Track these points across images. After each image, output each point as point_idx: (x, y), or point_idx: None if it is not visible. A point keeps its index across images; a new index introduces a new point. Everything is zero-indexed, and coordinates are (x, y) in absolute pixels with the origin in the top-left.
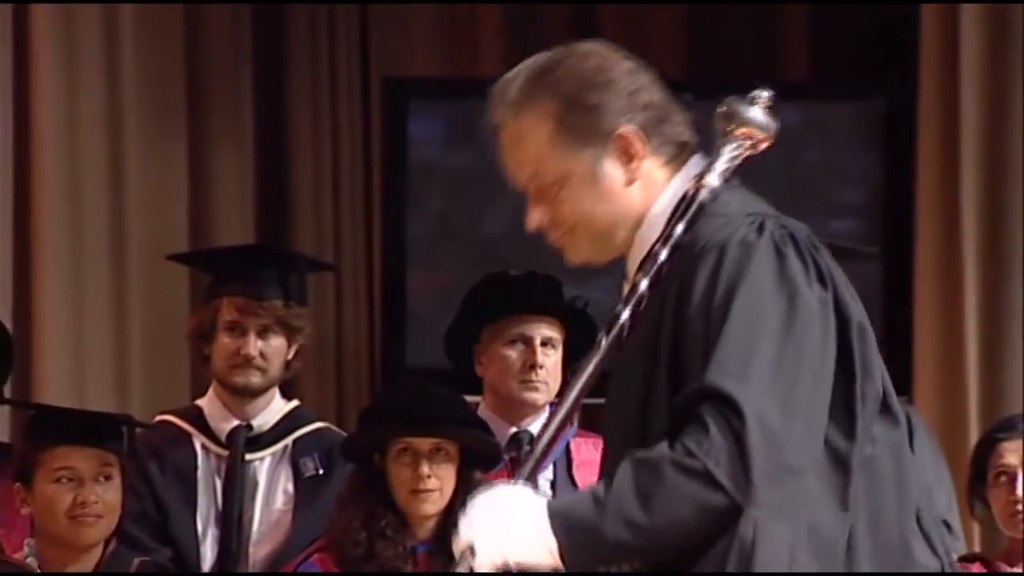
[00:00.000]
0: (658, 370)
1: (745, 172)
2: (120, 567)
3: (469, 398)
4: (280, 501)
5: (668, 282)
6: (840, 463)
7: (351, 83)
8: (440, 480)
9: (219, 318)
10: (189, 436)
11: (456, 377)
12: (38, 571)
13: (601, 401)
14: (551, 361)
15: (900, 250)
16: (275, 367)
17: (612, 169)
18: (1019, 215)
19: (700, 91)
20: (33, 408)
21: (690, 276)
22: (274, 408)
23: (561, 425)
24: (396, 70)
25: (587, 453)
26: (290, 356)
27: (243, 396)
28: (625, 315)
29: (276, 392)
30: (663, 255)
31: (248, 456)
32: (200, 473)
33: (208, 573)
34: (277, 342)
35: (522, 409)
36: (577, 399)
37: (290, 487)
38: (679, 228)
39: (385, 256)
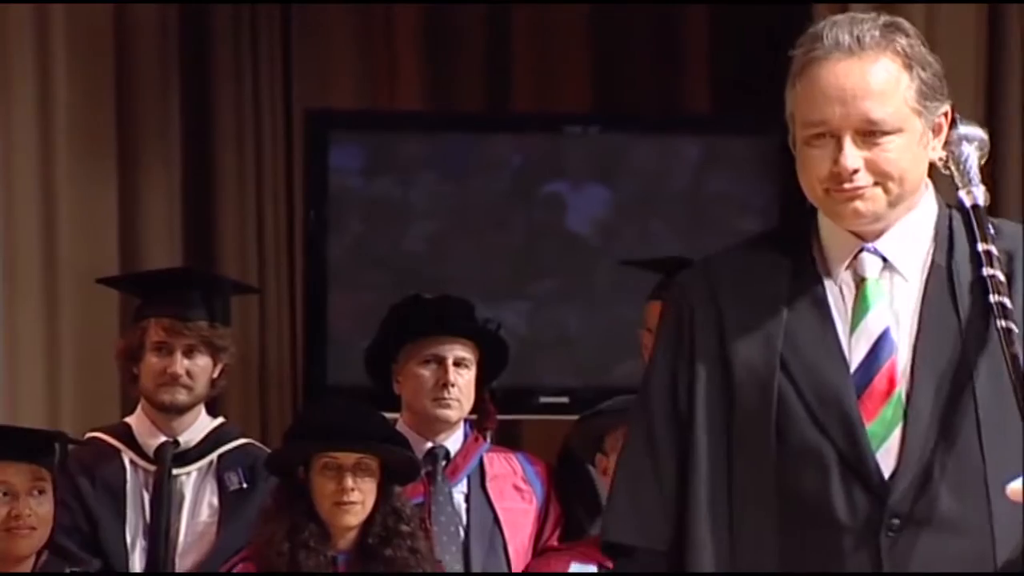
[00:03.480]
0: None
1: (653, 198)
2: None
3: (388, 415)
4: (205, 514)
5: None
6: None
7: (275, 114)
8: (362, 493)
9: (147, 339)
10: (118, 452)
11: (375, 394)
12: None
13: (517, 417)
14: (463, 380)
15: None
16: (201, 385)
17: (930, 139)
18: None
19: (606, 124)
20: None
21: None
22: (200, 425)
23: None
24: (318, 102)
25: (499, 467)
26: (215, 375)
27: (170, 413)
28: (1008, 303)
29: (202, 409)
30: (994, 251)
31: (175, 471)
32: (129, 487)
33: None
34: (203, 361)
35: (436, 425)
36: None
37: (215, 500)
38: (991, 229)
39: (306, 279)
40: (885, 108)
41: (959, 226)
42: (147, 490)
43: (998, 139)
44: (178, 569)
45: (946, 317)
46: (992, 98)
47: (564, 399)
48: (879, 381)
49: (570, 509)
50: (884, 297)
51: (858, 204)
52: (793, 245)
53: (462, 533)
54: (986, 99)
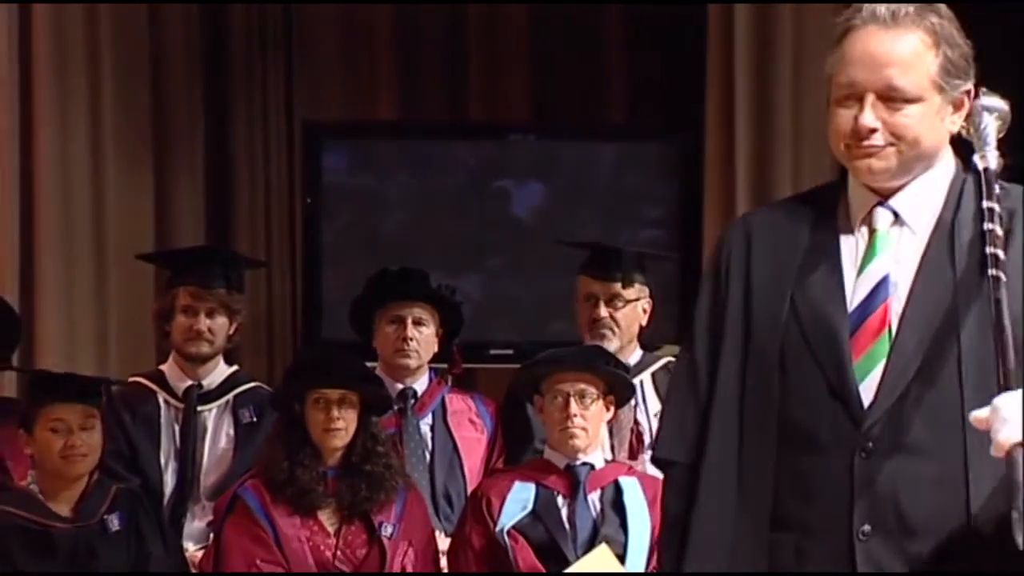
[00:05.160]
0: None
1: (579, 192)
2: (102, 491)
3: (370, 364)
4: (224, 442)
5: (1022, 237)
6: None
7: (279, 124)
8: (346, 421)
9: (176, 303)
10: (154, 393)
11: (359, 347)
12: (39, 497)
13: (473, 366)
14: (421, 335)
15: (691, 255)
16: (220, 340)
17: (949, 114)
18: None
19: (541, 133)
20: (33, 373)
21: None
22: (219, 371)
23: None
24: (313, 114)
25: (458, 405)
26: (231, 331)
27: (195, 362)
28: (1002, 256)
29: (221, 359)
30: (997, 209)
31: (199, 408)
32: (162, 421)
33: None
34: (221, 320)
35: (400, 371)
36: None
37: (231, 431)
38: (998, 190)
39: (304, 255)
40: (908, 77)
41: (971, 188)
42: (177, 423)
43: None
44: (202, 485)
45: (943, 267)
46: None
47: (510, 351)
48: (872, 321)
49: (512, 439)
50: (890, 247)
51: (872, 161)
52: (823, 201)
53: (428, 457)
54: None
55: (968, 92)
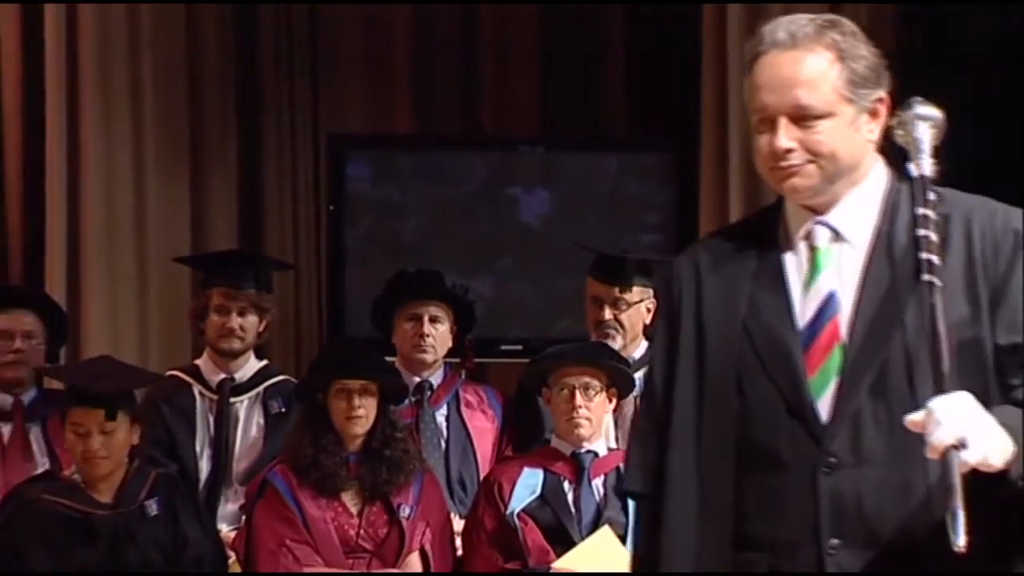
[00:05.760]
0: (980, 307)
1: (583, 199)
2: (141, 478)
3: (389, 359)
4: (254, 431)
5: (963, 239)
6: None
7: (305, 136)
8: (366, 410)
9: (210, 303)
10: (190, 385)
11: (380, 343)
12: (82, 485)
13: (485, 360)
14: (437, 332)
15: None
16: (250, 337)
17: (865, 123)
18: None
19: (548, 144)
20: (60, 375)
21: (1008, 238)
22: (250, 365)
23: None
24: (337, 128)
25: (471, 396)
26: (261, 329)
27: (227, 357)
28: (936, 260)
29: (252, 354)
30: (932, 216)
31: (232, 400)
32: (198, 411)
33: None
34: (252, 319)
35: (417, 365)
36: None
37: (262, 421)
38: (932, 196)
39: (329, 258)
40: (814, 95)
41: (906, 196)
42: (211, 414)
43: None
44: (234, 472)
45: (884, 277)
46: None
47: (519, 347)
48: (823, 337)
49: (522, 428)
50: (832, 263)
51: (795, 180)
52: (765, 224)
53: (443, 445)
54: None
55: (881, 99)
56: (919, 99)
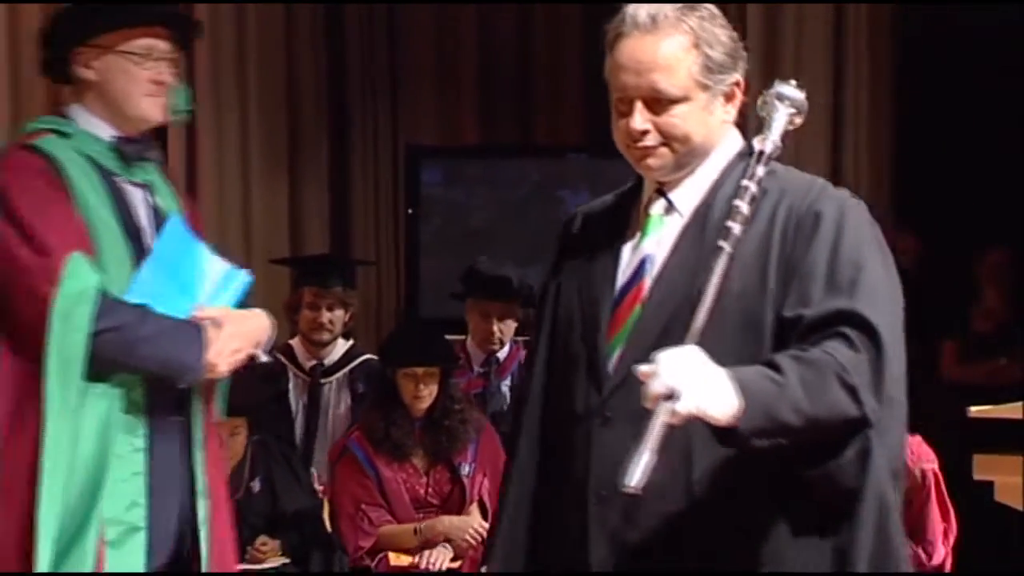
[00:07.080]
0: (768, 279)
1: (548, 204)
2: (244, 459)
3: (459, 337)
4: (342, 409)
5: (769, 214)
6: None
7: (386, 147)
8: (429, 389)
9: (303, 299)
10: (285, 367)
11: (452, 322)
12: None
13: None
14: (506, 327)
15: None
16: (338, 328)
17: (720, 106)
18: None
19: (593, 152)
20: None
21: (809, 218)
22: (338, 349)
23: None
24: (413, 138)
25: None
26: (346, 320)
27: (318, 346)
28: (737, 229)
29: (339, 338)
30: (753, 188)
31: (322, 380)
32: (291, 392)
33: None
34: (339, 313)
35: (487, 348)
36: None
37: (348, 400)
38: (760, 171)
39: (406, 252)
40: (670, 80)
41: (741, 170)
42: (304, 394)
43: None
44: (326, 445)
45: (695, 244)
46: None
47: None
48: (628, 298)
49: None
50: (657, 230)
51: (649, 160)
52: (631, 195)
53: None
54: None
55: (738, 83)
56: (791, 81)
